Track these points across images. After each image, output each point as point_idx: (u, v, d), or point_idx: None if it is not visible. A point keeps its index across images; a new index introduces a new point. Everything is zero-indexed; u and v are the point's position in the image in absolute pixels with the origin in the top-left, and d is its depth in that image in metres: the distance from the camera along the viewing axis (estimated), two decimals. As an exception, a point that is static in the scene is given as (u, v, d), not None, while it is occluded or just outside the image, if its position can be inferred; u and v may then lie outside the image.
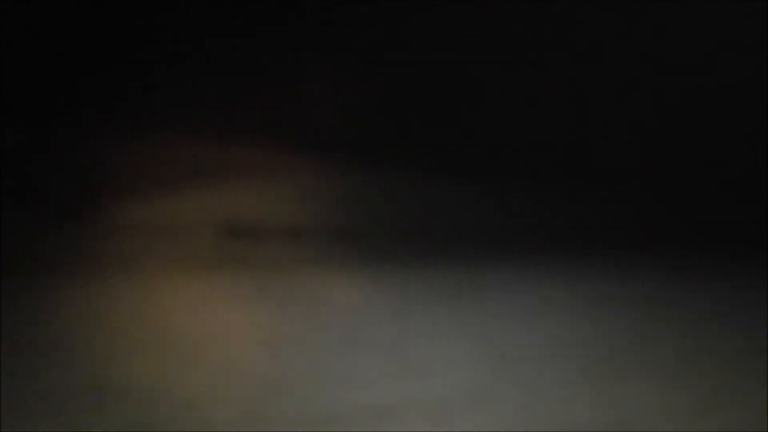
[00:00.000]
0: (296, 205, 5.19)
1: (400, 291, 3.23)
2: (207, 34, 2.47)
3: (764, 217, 2.77)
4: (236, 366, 2.31)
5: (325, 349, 2.46)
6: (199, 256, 4.01)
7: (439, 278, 3.53)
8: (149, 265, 3.72)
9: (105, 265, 3.69)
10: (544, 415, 2.15)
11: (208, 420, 1.96)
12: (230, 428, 1.88)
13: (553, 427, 2.04)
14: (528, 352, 2.58)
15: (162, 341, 2.53)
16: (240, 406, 2.05)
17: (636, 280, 3.49)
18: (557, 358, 2.54)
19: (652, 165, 2.68)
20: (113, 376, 2.25)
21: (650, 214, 4.76)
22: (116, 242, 4.54)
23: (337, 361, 2.41)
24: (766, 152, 3.39)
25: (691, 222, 3.61)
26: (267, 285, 3.24)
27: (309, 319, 2.78)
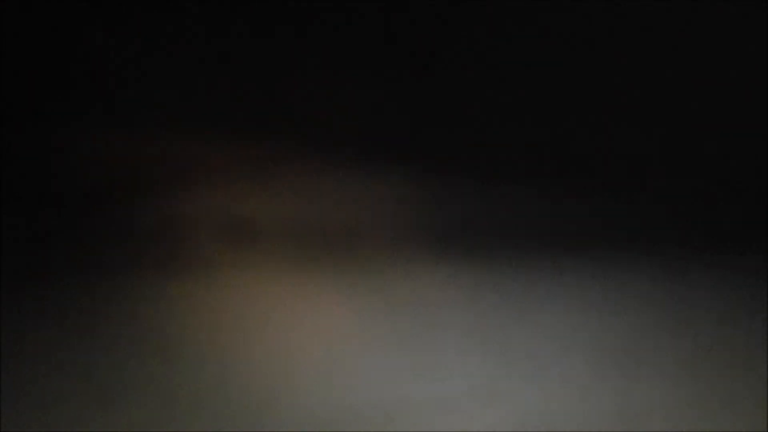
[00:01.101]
0: (341, 204, 5.29)
1: (411, 289, 3.20)
2: (215, 32, 2.48)
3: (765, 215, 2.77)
4: (295, 364, 2.29)
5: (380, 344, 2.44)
6: (213, 255, 4.05)
7: (456, 276, 3.49)
8: (177, 265, 3.76)
9: (138, 263, 3.74)
10: (555, 411, 2.14)
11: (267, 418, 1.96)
12: (283, 425, 1.89)
13: (565, 422, 2.03)
14: (540, 349, 2.56)
15: (183, 342, 2.53)
16: (303, 399, 2.05)
17: (650, 276, 3.45)
18: (569, 355, 2.53)
19: (669, 162, 2.69)
20: (138, 375, 2.23)
21: (668, 212, 4.79)
22: (138, 240, 4.62)
23: (378, 357, 2.40)
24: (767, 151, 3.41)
25: (704, 220, 3.64)
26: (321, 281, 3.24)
27: (360, 314, 2.75)
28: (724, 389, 1.98)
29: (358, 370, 2.41)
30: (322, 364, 2.37)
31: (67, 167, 3.76)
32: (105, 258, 3.45)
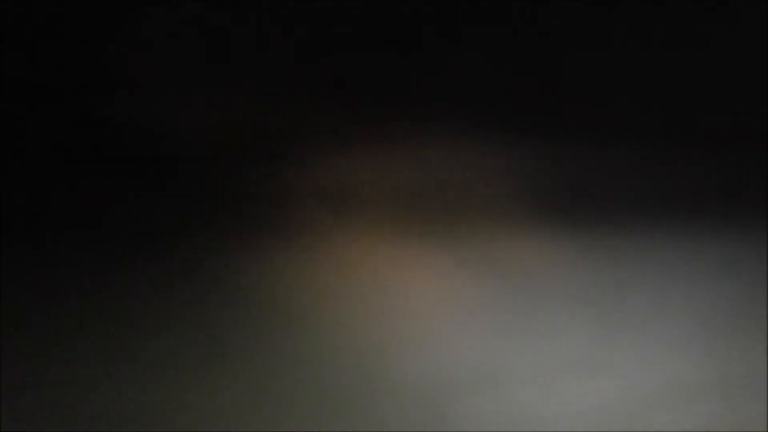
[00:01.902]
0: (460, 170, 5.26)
1: (514, 257, 3.04)
2: (326, 9, 2.50)
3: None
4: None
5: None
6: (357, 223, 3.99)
7: (558, 243, 3.34)
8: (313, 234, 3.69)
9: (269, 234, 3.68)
10: (649, 379, 2.04)
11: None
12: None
13: (669, 392, 1.94)
14: (644, 317, 2.45)
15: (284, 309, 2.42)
16: (402, 366, 1.95)
17: (749, 243, 3.32)
18: (674, 323, 2.41)
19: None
20: (243, 341, 2.13)
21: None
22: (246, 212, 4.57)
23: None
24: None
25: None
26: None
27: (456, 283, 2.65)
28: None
29: (461, 337, 2.33)
30: (423, 331, 2.29)
31: (174, 136, 3.78)
32: (213, 226, 3.39)
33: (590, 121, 3.00)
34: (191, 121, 3.02)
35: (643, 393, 2.01)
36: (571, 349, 2.25)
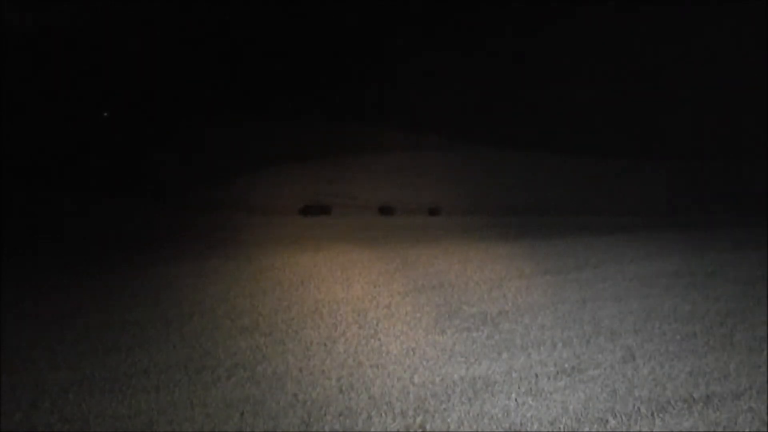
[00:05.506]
0: (425, 185, 5.32)
1: (492, 265, 3.15)
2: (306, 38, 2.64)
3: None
4: (334, 343, 2.29)
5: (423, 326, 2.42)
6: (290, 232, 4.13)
7: (538, 250, 3.46)
8: (257, 243, 3.86)
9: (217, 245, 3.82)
10: (639, 388, 2.11)
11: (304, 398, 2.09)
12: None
13: (650, 399, 2.01)
14: (625, 326, 2.54)
15: (264, 318, 2.52)
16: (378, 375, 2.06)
17: (742, 255, 3.41)
18: (654, 331, 2.49)
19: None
20: (210, 353, 2.25)
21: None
22: (216, 222, 4.69)
23: (439, 335, 2.39)
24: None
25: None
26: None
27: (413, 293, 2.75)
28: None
29: (432, 351, 2.42)
30: (396, 346, 2.38)
31: (161, 156, 3.92)
32: (198, 237, 3.54)
33: (568, 132, 3.19)
34: (147, 137, 3.28)
35: (628, 404, 2.10)
36: (552, 358, 2.37)
